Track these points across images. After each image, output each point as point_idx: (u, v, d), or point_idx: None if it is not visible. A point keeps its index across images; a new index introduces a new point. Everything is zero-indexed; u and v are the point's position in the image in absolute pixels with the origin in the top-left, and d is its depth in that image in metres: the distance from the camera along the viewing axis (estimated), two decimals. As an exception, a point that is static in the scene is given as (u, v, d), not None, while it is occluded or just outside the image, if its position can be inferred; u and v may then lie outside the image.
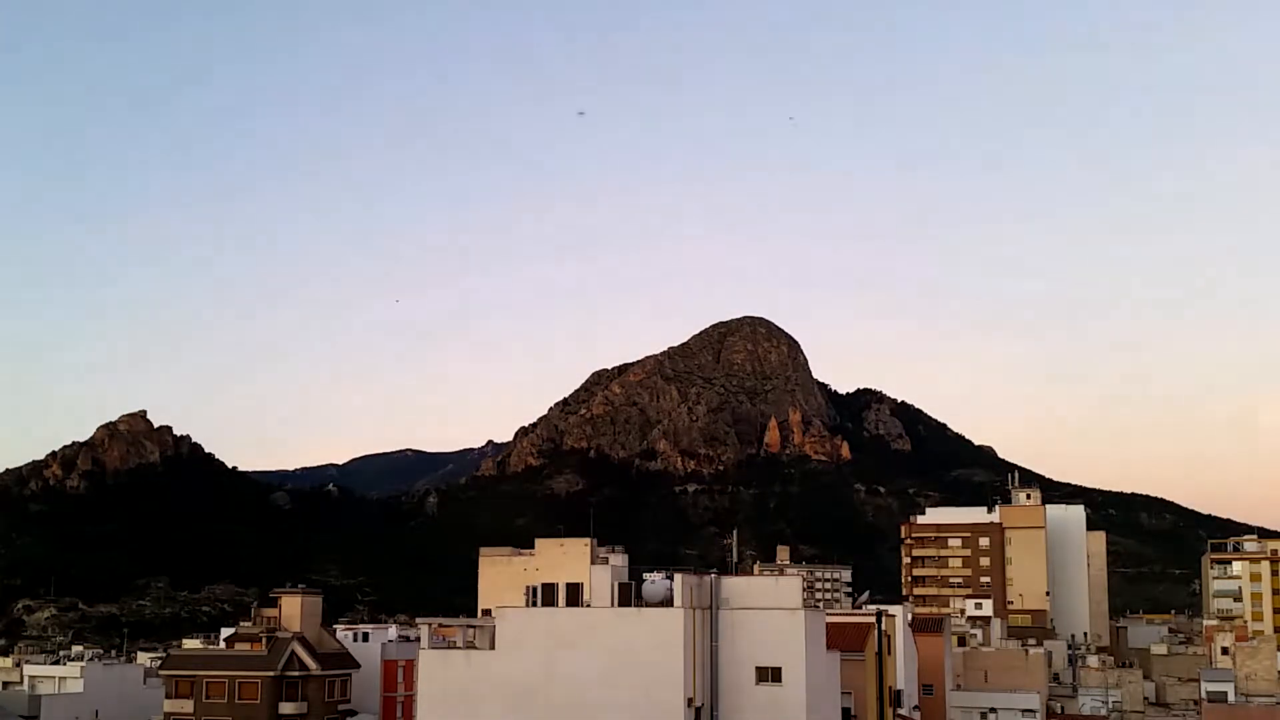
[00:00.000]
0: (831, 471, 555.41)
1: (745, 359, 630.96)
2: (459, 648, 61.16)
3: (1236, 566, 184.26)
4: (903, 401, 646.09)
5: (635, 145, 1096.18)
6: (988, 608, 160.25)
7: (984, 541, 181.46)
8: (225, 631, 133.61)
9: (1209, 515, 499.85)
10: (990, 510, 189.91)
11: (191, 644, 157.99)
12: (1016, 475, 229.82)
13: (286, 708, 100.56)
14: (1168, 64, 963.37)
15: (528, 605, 58.49)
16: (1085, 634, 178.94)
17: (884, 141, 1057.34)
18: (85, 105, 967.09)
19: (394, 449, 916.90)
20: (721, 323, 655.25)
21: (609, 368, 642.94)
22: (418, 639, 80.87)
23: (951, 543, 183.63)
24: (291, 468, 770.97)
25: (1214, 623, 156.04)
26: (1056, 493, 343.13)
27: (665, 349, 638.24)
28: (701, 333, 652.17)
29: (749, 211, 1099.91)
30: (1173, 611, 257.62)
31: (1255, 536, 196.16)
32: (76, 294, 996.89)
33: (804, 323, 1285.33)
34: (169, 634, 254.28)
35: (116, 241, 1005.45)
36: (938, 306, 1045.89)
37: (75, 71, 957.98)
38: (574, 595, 57.74)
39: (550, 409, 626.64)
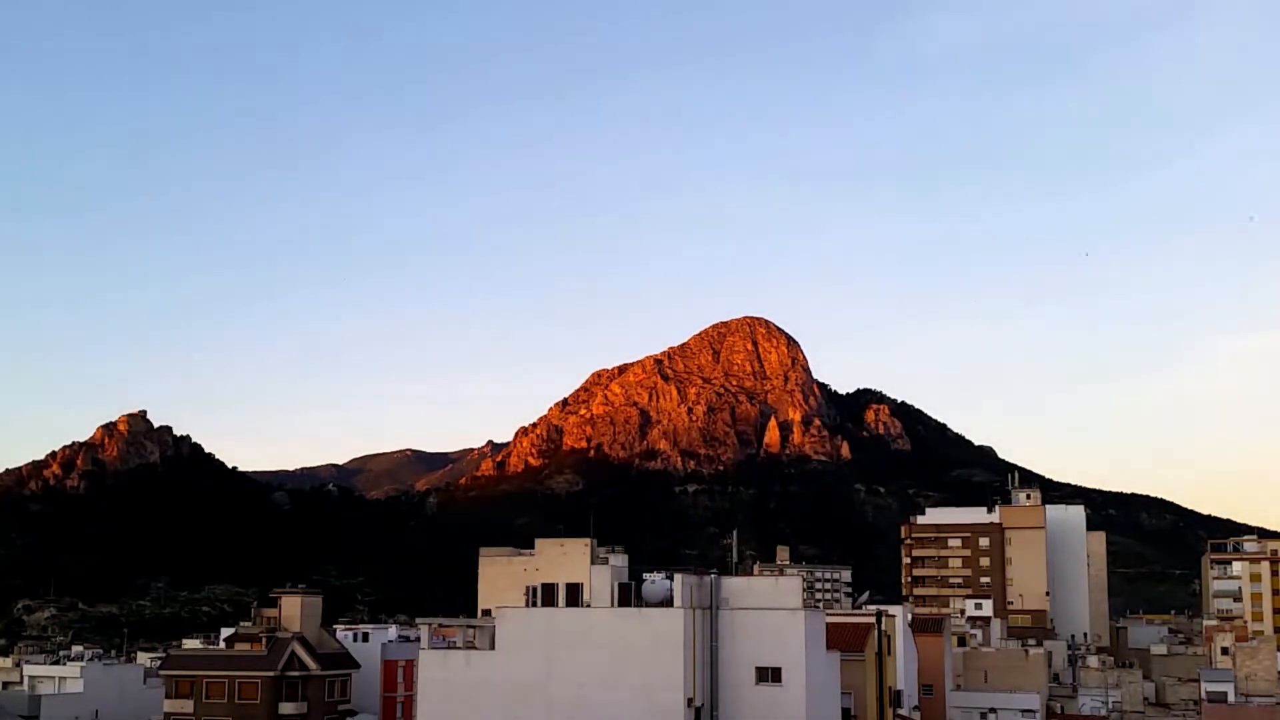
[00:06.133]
0: (831, 471, 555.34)
1: (745, 359, 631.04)
2: (459, 648, 61.23)
3: (1236, 566, 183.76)
4: (903, 401, 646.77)
5: (635, 144, 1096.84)
6: (988, 608, 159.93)
7: (984, 542, 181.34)
8: (225, 631, 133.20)
9: (1209, 515, 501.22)
10: (990, 510, 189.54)
11: (191, 644, 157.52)
12: (1016, 475, 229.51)
13: (286, 708, 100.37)
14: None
15: (528, 605, 58.54)
16: (1085, 634, 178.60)
17: (884, 140, 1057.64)
18: (83, 103, 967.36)
19: (394, 449, 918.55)
20: (721, 323, 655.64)
21: (609, 368, 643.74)
22: (418, 639, 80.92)
23: (951, 543, 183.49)
24: (291, 468, 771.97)
25: (1214, 623, 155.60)
26: (1056, 493, 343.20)
27: (665, 349, 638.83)
28: (701, 333, 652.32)
29: (749, 211, 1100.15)
30: (1173, 611, 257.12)
31: (1255, 536, 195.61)
32: (77, 294, 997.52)
33: (804, 323, 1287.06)
34: (169, 634, 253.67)
35: (116, 240, 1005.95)
36: (938, 306, 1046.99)
37: (71, 71, 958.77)
38: (574, 595, 57.80)
39: (550, 409, 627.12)
